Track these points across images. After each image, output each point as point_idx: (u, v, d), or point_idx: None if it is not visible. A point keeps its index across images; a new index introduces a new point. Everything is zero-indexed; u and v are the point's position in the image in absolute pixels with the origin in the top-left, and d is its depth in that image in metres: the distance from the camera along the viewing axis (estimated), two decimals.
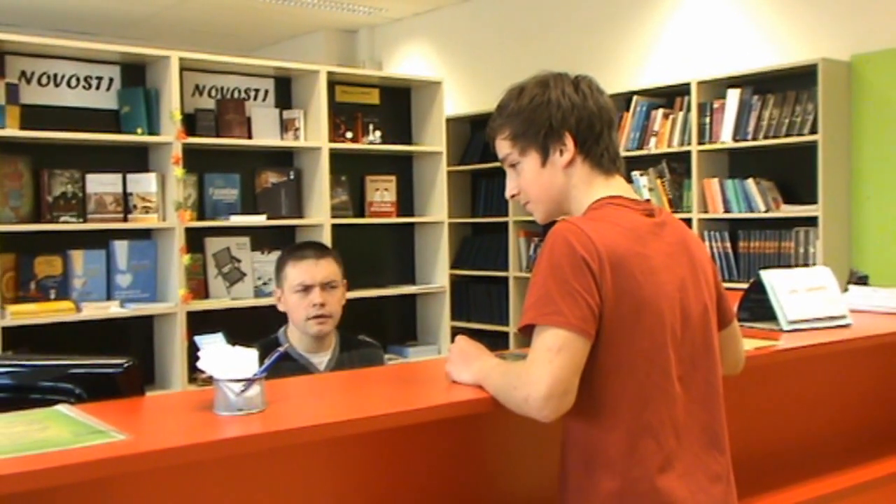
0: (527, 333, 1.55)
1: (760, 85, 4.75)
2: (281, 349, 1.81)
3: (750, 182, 4.73)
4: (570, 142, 1.65)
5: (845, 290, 2.83)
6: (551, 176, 1.68)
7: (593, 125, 1.66)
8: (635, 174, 5.17)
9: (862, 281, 3.00)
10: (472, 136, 6.47)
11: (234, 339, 1.60)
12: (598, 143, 1.67)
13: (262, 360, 1.52)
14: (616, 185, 1.69)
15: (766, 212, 4.68)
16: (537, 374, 1.47)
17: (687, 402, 1.61)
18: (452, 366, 1.76)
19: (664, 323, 1.58)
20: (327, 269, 2.60)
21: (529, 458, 1.92)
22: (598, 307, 1.51)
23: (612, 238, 1.55)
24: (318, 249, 2.68)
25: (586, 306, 1.50)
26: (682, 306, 1.62)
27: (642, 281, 1.56)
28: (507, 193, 1.76)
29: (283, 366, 2.47)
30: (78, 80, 4.01)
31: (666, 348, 1.58)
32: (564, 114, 1.65)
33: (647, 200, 1.72)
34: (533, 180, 1.70)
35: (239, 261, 4.36)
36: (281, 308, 2.63)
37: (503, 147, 1.72)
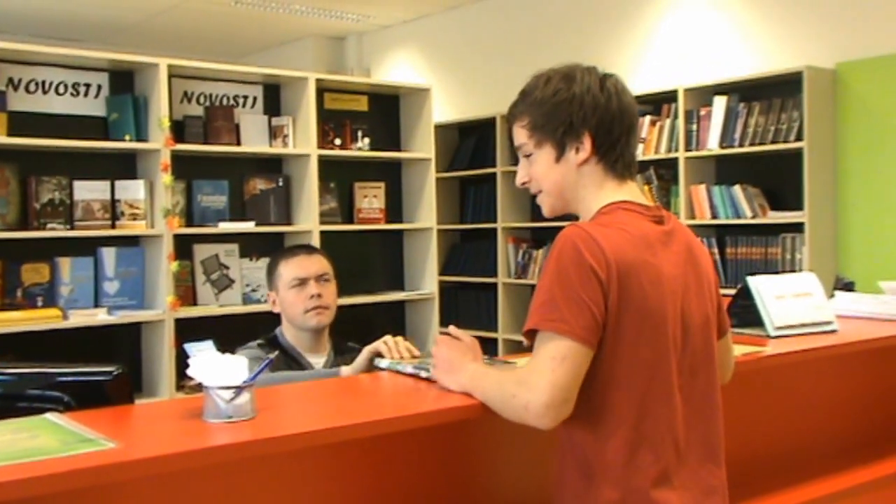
0: (531, 337, 1.54)
1: (746, 92, 4.78)
2: (271, 356, 1.82)
3: (737, 188, 4.76)
4: (587, 142, 1.64)
5: (831, 296, 2.85)
6: (564, 172, 1.66)
7: (613, 129, 1.64)
8: None
9: (848, 287, 3.02)
10: (461, 142, 6.48)
11: (223, 347, 1.60)
12: (615, 148, 1.65)
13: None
14: (627, 190, 1.68)
15: (753, 218, 4.70)
16: (539, 383, 1.47)
17: (686, 413, 1.60)
18: (438, 372, 1.76)
19: (667, 333, 1.57)
20: (319, 262, 2.66)
21: (519, 465, 1.93)
22: (603, 317, 1.51)
23: (621, 245, 1.54)
24: (307, 247, 2.77)
25: (590, 315, 1.49)
26: (684, 315, 1.61)
27: (649, 290, 1.55)
28: (518, 181, 1.74)
29: (285, 365, 2.48)
30: (66, 87, 4.00)
31: (668, 359, 1.57)
32: (586, 113, 1.63)
33: (657, 206, 1.70)
34: (545, 174, 1.68)
35: (227, 268, 4.35)
36: (276, 310, 2.65)
37: (520, 135, 1.70)
